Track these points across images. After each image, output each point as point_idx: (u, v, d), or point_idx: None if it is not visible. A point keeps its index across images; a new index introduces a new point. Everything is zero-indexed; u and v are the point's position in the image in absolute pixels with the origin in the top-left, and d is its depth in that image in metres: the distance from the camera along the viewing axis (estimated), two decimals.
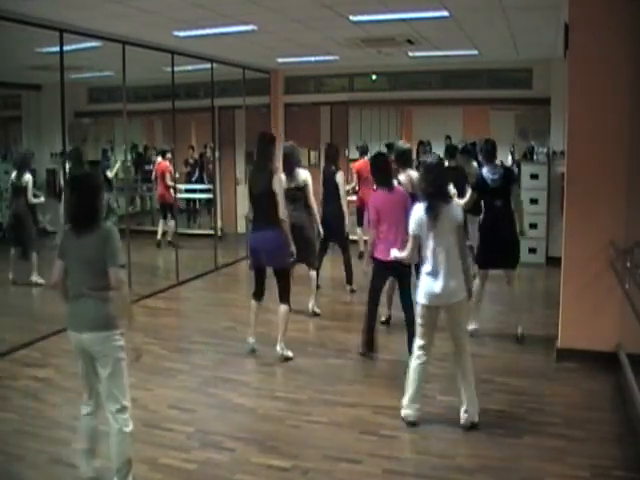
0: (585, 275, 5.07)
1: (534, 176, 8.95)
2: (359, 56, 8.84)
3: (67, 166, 8.27)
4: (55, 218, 9.09)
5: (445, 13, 6.06)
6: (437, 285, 3.96)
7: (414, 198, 4.68)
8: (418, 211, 4.05)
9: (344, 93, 10.59)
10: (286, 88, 10.92)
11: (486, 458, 3.73)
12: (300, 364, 5.27)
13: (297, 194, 6.24)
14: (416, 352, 4.16)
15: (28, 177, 7.84)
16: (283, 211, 5.16)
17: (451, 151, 8.21)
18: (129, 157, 10.59)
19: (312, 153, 10.55)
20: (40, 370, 5.19)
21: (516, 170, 8.71)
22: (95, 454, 3.37)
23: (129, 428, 3.23)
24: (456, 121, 10.75)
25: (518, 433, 4.00)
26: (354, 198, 9.19)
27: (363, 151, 9.31)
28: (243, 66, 9.73)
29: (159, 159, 10.44)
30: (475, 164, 8.06)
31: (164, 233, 10.31)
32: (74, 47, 6.75)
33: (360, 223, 8.99)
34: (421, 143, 10.96)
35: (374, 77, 10.44)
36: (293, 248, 5.28)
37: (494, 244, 5.69)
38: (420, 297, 4.06)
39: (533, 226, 8.62)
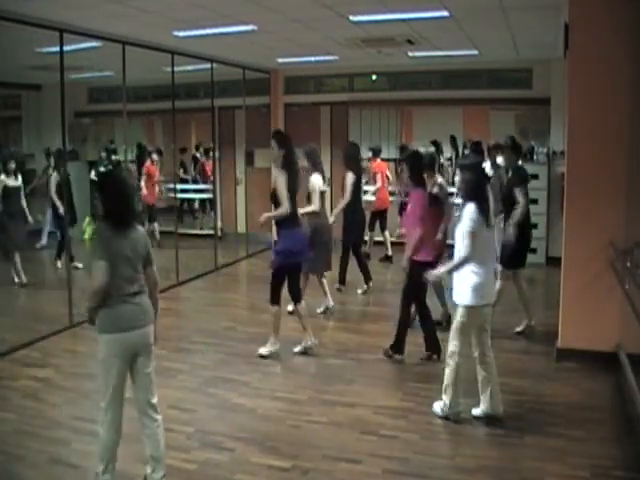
0: (585, 275, 5.07)
1: (534, 176, 8.89)
2: (359, 56, 8.84)
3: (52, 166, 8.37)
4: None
5: (445, 13, 6.06)
6: (487, 284, 4.08)
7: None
8: (473, 211, 4.03)
9: (344, 93, 10.59)
10: (286, 88, 10.93)
11: (486, 458, 3.73)
12: (300, 364, 5.27)
13: (322, 197, 6.32)
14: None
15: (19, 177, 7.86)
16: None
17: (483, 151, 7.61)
18: (129, 157, 10.55)
19: None
20: (40, 370, 5.19)
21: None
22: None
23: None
24: (456, 121, 10.74)
25: (518, 433, 4.00)
26: (372, 198, 9.13)
27: (376, 152, 9.11)
28: (243, 66, 9.74)
29: (149, 161, 10.44)
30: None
31: (151, 233, 10.23)
32: (74, 47, 6.75)
33: (372, 228, 8.97)
34: (434, 143, 10.73)
35: (374, 77, 10.44)
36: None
37: (530, 242, 5.96)
38: (470, 298, 4.05)
39: (533, 226, 8.60)
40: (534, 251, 8.90)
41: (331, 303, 6.76)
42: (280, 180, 5.16)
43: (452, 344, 4.13)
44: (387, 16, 6.19)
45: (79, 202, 8.89)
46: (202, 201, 11.69)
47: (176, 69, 8.21)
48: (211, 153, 10.40)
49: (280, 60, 9.50)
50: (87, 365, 5.19)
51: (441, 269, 4.32)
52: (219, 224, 10.66)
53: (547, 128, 9.22)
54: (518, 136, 9.97)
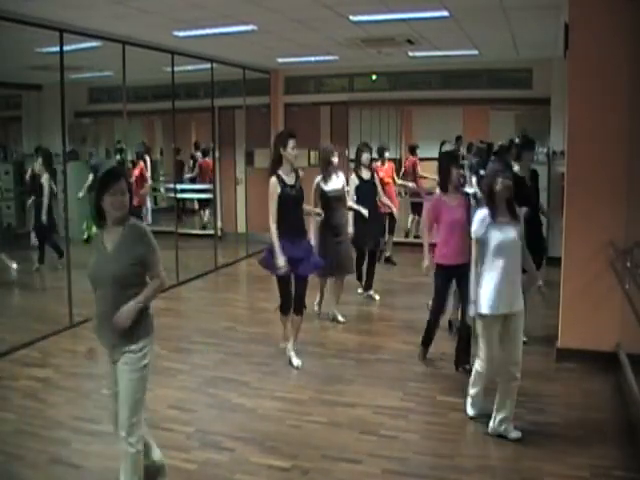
0: (585, 275, 5.07)
1: None
2: (359, 56, 8.84)
3: (37, 166, 8.35)
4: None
5: (445, 13, 6.06)
6: (498, 293, 3.81)
7: None
8: (482, 216, 3.87)
9: (344, 93, 10.59)
10: (286, 88, 10.92)
11: (486, 458, 3.73)
12: (300, 364, 5.26)
13: (335, 199, 6.16)
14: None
15: None
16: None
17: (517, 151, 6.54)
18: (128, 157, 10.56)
19: (312, 153, 10.54)
20: (40, 370, 5.19)
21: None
22: None
23: None
24: (456, 121, 10.73)
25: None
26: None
27: (381, 153, 8.74)
28: (243, 66, 9.74)
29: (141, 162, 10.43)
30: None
31: None
32: (74, 47, 6.75)
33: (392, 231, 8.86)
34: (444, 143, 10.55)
35: (374, 77, 10.43)
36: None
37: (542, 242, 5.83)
38: (479, 306, 3.87)
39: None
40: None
41: (339, 317, 6.48)
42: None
43: (477, 350, 4.04)
44: (387, 16, 6.19)
45: (78, 202, 8.89)
46: (201, 201, 11.69)
47: (176, 69, 8.21)
48: (209, 152, 10.39)
49: (280, 60, 9.51)
50: (87, 365, 5.18)
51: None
52: (219, 224, 10.67)
53: (547, 128, 9.22)
54: (518, 136, 10.04)
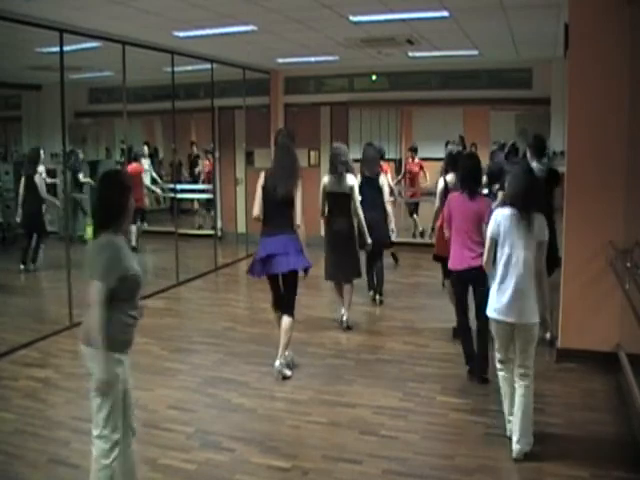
0: (585, 275, 5.07)
1: None
2: (359, 56, 8.84)
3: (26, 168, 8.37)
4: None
5: (445, 13, 6.06)
6: (506, 299, 3.66)
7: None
8: (505, 216, 3.72)
9: (344, 93, 10.58)
10: (286, 88, 10.92)
11: (486, 458, 3.73)
12: (300, 364, 5.26)
13: (341, 200, 6.06)
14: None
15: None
16: (300, 217, 4.88)
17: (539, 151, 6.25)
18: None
19: (312, 153, 10.55)
20: (40, 370, 5.19)
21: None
22: None
23: None
24: (456, 121, 10.76)
25: None
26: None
27: (381, 154, 8.34)
28: (243, 66, 9.73)
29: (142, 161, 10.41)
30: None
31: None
32: (74, 47, 6.75)
33: None
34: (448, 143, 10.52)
35: (374, 77, 10.42)
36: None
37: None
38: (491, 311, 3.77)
39: None
40: None
41: (343, 317, 6.31)
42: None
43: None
44: (387, 16, 6.19)
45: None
46: (201, 201, 11.69)
47: (176, 69, 8.21)
48: (208, 152, 10.38)
49: (280, 60, 9.50)
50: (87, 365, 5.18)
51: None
52: (219, 224, 10.66)
53: (547, 128, 9.22)
54: (518, 136, 10.05)
